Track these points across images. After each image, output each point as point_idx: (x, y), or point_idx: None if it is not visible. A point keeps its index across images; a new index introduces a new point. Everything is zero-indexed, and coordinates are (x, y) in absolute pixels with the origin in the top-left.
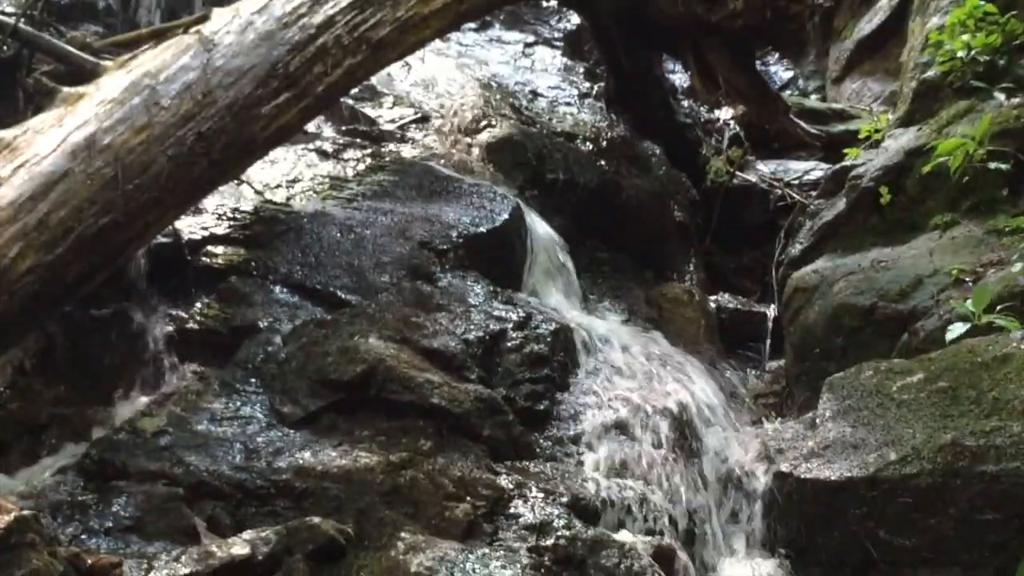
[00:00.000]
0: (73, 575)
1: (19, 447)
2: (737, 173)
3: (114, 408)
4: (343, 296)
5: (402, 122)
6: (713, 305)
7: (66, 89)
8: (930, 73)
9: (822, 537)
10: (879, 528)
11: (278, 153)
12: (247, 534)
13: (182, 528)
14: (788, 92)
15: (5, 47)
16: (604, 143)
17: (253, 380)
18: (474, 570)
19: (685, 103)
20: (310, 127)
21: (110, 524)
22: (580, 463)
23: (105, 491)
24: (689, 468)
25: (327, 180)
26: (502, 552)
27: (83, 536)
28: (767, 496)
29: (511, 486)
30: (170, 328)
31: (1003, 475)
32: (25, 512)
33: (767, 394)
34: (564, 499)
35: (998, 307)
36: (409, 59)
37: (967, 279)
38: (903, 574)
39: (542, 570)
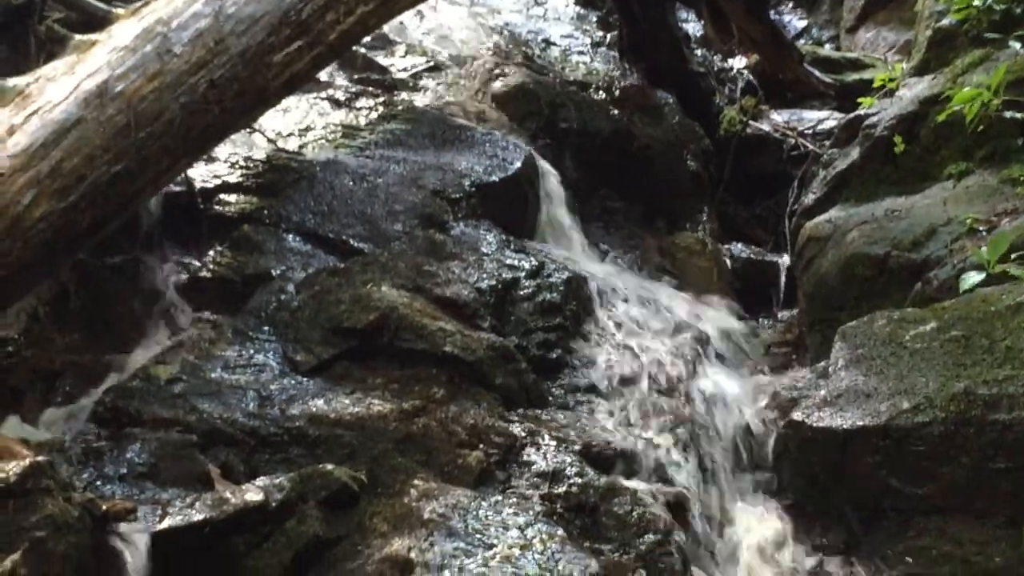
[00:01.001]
0: (88, 520)
1: (34, 394)
2: (751, 122)
3: (128, 356)
4: (356, 244)
5: (415, 71)
6: (726, 254)
7: (78, 37)
8: (945, 22)
9: (834, 485)
10: (891, 476)
11: (290, 101)
12: (260, 481)
13: (196, 475)
14: (802, 41)
15: None
16: (617, 92)
17: (266, 328)
18: (487, 517)
19: (699, 52)
20: (322, 75)
21: (124, 471)
22: (592, 411)
23: (119, 438)
24: (701, 416)
25: (339, 129)
26: (514, 499)
27: (98, 482)
28: (779, 444)
29: (523, 434)
30: (183, 276)
31: (1015, 424)
32: (40, 458)
33: (780, 343)
34: (576, 447)
35: (1012, 256)
36: (422, 7)
37: (981, 228)
38: (914, 522)
39: (554, 517)
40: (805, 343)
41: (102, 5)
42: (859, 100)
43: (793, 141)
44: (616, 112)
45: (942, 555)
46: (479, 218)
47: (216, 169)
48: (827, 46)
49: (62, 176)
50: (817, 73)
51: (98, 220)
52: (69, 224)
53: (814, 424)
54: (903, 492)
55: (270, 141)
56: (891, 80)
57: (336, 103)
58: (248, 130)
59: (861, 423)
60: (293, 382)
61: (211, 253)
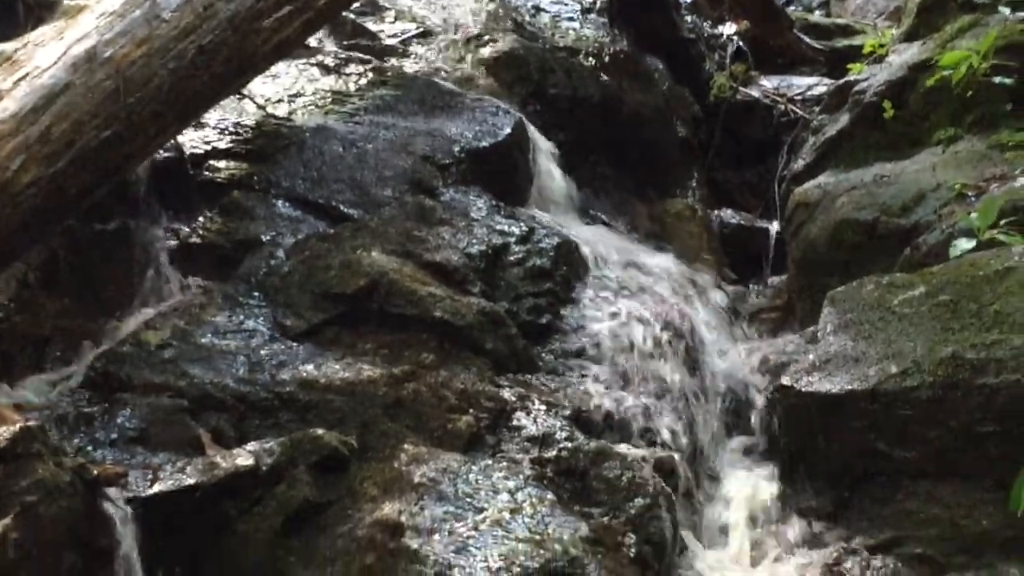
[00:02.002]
0: (79, 485)
1: (23, 360)
2: (740, 89)
3: (118, 321)
4: (345, 210)
5: (404, 37)
6: (716, 220)
7: (67, 2)
8: None
9: (823, 449)
10: (879, 440)
11: (280, 68)
12: (251, 445)
13: (187, 439)
14: (792, 7)
15: None
16: (607, 58)
17: (256, 294)
18: (477, 481)
19: (689, 18)
20: (312, 41)
21: (115, 435)
22: (583, 376)
23: (110, 403)
24: (691, 381)
25: (329, 95)
26: (504, 463)
27: (88, 447)
28: (768, 409)
29: (514, 399)
30: (173, 242)
31: (1003, 388)
32: (30, 423)
33: (769, 309)
34: (566, 411)
35: (1001, 222)
36: None
37: (970, 194)
38: (903, 486)
39: (544, 481)
40: (794, 308)
41: None
42: (849, 66)
43: (783, 107)
44: (606, 78)
45: (930, 518)
46: (469, 184)
47: (206, 135)
48: (817, 12)
49: (51, 142)
50: (807, 39)
51: (87, 186)
52: (58, 190)
53: (803, 389)
54: (891, 456)
55: (260, 107)
56: (881, 46)
57: (326, 69)
58: (238, 96)
59: (849, 387)
60: (283, 347)
61: (201, 219)
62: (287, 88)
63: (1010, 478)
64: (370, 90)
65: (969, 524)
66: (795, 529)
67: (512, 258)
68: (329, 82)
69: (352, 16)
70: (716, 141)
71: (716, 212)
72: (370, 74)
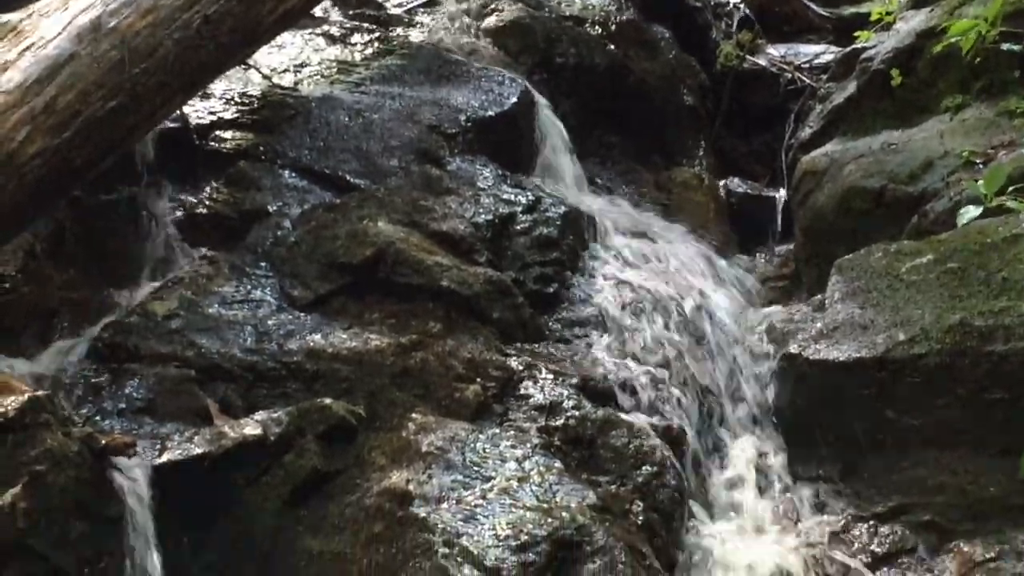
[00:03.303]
0: (87, 455)
1: (31, 331)
2: (747, 57)
3: (125, 292)
4: (352, 180)
5: (410, 6)
6: (723, 189)
7: None
8: None
9: (830, 418)
10: (887, 408)
11: (285, 38)
12: (259, 415)
13: (194, 409)
14: None
15: None
16: (613, 27)
17: (263, 264)
18: (484, 450)
19: None
20: (317, 11)
21: (123, 406)
22: (590, 345)
23: (117, 373)
24: (698, 350)
25: (335, 64)
26: (512, 432)
27: (97, 417)
28: (776, 377)
29: (521, 367)
30: (179, 213)
31: (1011, 355)
32: (39, 393)
33: (776, 277)
34: (574, 380)
35: (1009, 189)
36: None
37: (978, 161)
38: (910, 454)
39: (552, 450)
40: (801, 277)
41: None
42: (856, 34)
43: (790, 75)
44: (612, 47)
45: (937, 485)
46: (475, 153)
47: (211, 105)
48: None
49: (56, 112)
50: (814, 7)
51: (93, 157)
52: (64, 161)
53: (810, 357)
54: (899, 423)
55: (265, 77)
56: (888, 13)
57: (331, 39)
58: (243, 66)
59: (857, 355)
60: (290, 317)
61: (207, 190)
62: (293, 58)
63: (1018, 445)
64: (376, 60)
65: (977, 491)
66: (802, 497)
67: (519, 227)
68: (335, 52)
69: None
70: (723, 110)
71: (723, 181)
72: (376, 44)
